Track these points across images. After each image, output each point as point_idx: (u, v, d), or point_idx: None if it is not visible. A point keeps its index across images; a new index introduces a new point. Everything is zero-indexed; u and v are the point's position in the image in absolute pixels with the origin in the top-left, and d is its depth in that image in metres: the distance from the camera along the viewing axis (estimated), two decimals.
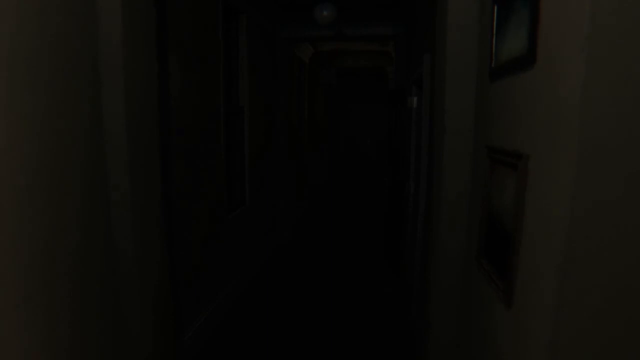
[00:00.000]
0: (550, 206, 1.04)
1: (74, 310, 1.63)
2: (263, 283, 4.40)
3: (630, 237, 0.96)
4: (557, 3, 1.04)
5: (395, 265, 4.66)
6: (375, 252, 5.46)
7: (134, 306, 1.95)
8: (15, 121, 1.33)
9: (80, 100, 1.66)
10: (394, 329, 3.43)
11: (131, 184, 1.86)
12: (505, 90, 1.41)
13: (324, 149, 10.52)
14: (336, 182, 11.15)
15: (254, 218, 4.64)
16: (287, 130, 5.83)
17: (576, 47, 0.93)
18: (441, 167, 1.93)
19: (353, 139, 11.81)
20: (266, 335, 3.33)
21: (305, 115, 7.87)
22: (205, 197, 3.25)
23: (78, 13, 1.64)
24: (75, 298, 1.64)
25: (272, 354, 3.06)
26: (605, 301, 0.99)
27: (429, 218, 2.54)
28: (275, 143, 5.54)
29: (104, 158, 1.81)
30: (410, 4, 4.33)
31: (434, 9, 2.22)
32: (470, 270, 1.80)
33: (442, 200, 1.94)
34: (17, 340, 1.36)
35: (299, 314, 3.70)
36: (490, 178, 1.53)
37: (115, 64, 1.77)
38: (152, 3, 2.03)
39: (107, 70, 1.77)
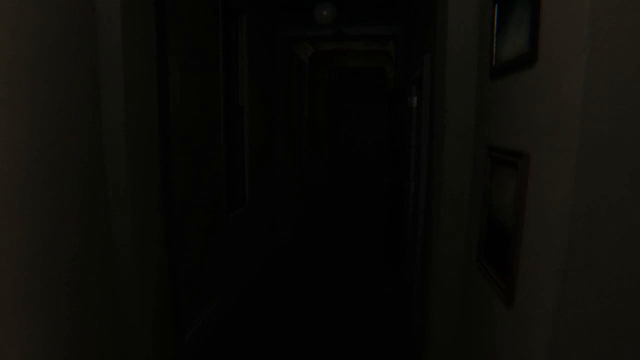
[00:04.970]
0: (551, 205, 1.04)
1: (74, 310, 1.63)
2: (263, 283, 4.40)
3: (631, 237, 0.96)
4: (559, 1, 1.03)
5: (395, 265, 4.65)
6: (375, 252, 5.46)
7: (134, 306, 1.95)
8: (15, 121, 1.33)
9: (80, 100, 1.66)
10: (394, 329, 3.43)
11: (131, 184, 1.86)
12: (506, 89, 1.41)
13: (324, 148, 10.51)
14: (336, 182, 11.14)
15: (254, 218, 4.63)
16: (287, 130, 5.83)
17: (577, 46, 0.93)
18: (441, 166, 1.93)
19: (353, 139, 11.80)
20: (266, 335, 3.32)
21: (305, 115, 7.87)
22: (205, 196, 3.24)
23: (78, 13, 1.63)
24: (74, 298, 1.63)
25: (273, 354, 3.06)
26: (606, 301, 0.99)
27: (429, 218, 2.54)
28: (275, 142, 5.54)
29: (104, 158, 1.81)
30: (410, 4, 4.33)
31: (434, 8, 2.22)
32: (471, 270, 1.79)
33: (442, 200, 1.93)
34: (16, 341, 1.35)
35: (299, 314, 3.70)
36: (491, 177, 1.53)
37: (115, 64, 1.76)
38: (152, 3, 2.03)
39: (107, 70, 1.77)
